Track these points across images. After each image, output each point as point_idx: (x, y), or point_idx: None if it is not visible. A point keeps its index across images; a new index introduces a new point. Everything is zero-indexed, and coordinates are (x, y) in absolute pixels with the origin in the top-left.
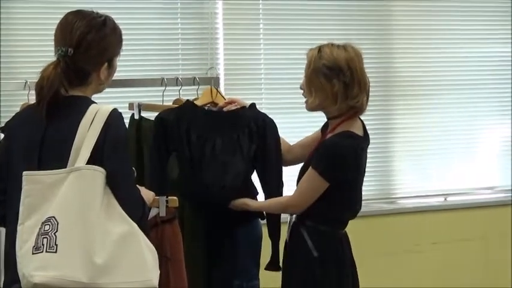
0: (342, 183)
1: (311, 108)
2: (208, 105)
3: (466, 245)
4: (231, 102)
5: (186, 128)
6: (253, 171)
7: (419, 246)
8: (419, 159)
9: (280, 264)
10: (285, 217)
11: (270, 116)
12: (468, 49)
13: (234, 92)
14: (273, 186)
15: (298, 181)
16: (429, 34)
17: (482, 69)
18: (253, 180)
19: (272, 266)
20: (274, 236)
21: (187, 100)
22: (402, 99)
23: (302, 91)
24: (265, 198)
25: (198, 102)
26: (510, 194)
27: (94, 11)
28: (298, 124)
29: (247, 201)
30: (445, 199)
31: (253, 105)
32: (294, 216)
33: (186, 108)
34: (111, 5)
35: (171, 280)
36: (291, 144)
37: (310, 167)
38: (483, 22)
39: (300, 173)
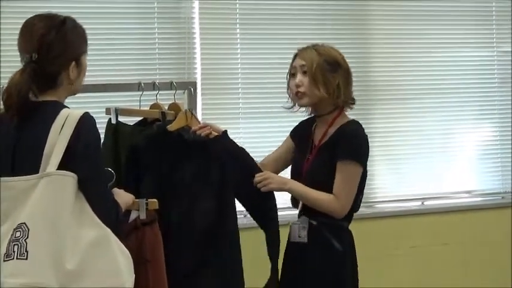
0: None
1: (310, 101)
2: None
3: (444, 249)
4: (204, 127)
5: (157, 158)
6: (226, 211)
7: (397, 250)
8: (397, 163)
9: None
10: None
11: (247, 119)
12: (446, 53)
13: (212, 96)
14: (262, 213)
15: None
16: (407, 38)
17: (460, 74)
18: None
19: (273, 284)
20: (275, 259)
21: (161, 126)
22: (380, 103)
23: (297, 87)
24: (267, 234)
25: (172, 127)
26: (488, 198)
27: (52, 12)
28: (275, 128)
29: (286, 181)
30: (423, 203)
31: (225, 133)
32: (305, 216)
33: (158, 135)
34: (87, 9)
35: (151, 282)
36: (262, 158)
37: (341, 162)
38: (462, 26)
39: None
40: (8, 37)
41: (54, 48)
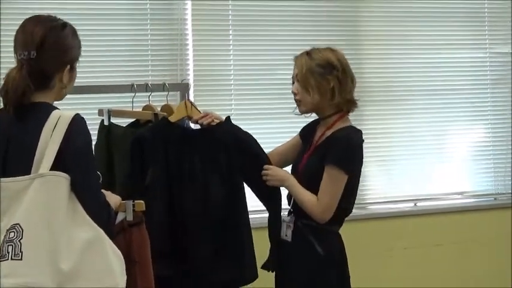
0: (350, 178)
1: (306, 109)
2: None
3: (437, 250)
4: (206, 116)
5: (163, 148)
6: (237, 194)
7: (390, 251)
8: (389, 164)
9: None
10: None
11: (240, 121)
12: (438, 54)
13: (204, 98)
14: (273, 200)
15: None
16: (399, 39)
17: (452, 75)
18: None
19: (270, 264)
20: (274, 240)
21: (163, 117)
22: (372, 104)
23: (294, 95)
24: (269, 214)
25: (173, 118)
26: (480, 200)
27: (52, 15)
28: (267, 130)
29: (286, 178)
30: (415, 204)
31: (227, 119)
32: (293, 215)
33: (162, 126)
34: (79, 11)
35: (139, 283)
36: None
37: (328, 166)
38: (455, 27)
39: (302, 175)
40: (8, 38)
41: (54, 49)
